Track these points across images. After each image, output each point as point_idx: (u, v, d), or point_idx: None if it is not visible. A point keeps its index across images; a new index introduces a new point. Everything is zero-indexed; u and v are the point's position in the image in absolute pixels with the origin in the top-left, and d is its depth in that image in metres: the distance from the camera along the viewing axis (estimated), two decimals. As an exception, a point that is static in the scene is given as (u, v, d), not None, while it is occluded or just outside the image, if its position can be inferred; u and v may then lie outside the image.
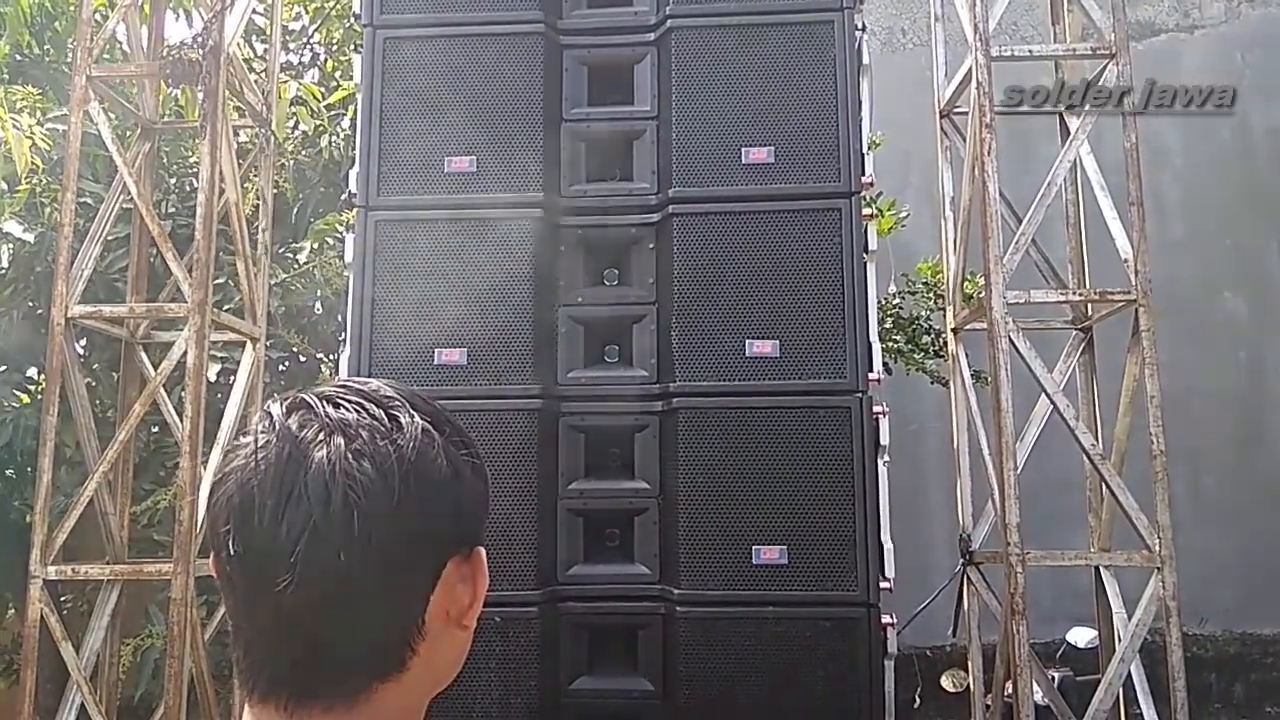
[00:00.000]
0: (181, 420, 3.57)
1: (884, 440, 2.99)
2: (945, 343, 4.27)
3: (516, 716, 2.86)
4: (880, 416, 3.00)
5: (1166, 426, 3.56)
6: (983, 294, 3.56)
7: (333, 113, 5.22)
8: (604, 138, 3.25)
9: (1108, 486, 3.61)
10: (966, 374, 3.99)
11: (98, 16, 3.92)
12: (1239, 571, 6.06)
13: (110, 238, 4.02)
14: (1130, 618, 3.53)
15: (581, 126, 3.24)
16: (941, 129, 4.21)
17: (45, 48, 4.81)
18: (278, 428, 0.76)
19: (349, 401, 0.78)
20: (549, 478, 3.00)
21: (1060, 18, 4.22)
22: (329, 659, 0.74)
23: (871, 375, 3.01)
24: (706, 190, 3.12)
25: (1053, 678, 3.83)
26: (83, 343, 4.47)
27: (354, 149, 3.32)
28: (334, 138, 5.10)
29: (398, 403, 0.79)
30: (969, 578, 3.86)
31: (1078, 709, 3.59)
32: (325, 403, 0.78)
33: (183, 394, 3.58)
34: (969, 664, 3.93)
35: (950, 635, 4.28)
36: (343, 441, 0.75)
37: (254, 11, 4.37)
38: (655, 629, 2.94)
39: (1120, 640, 3.59)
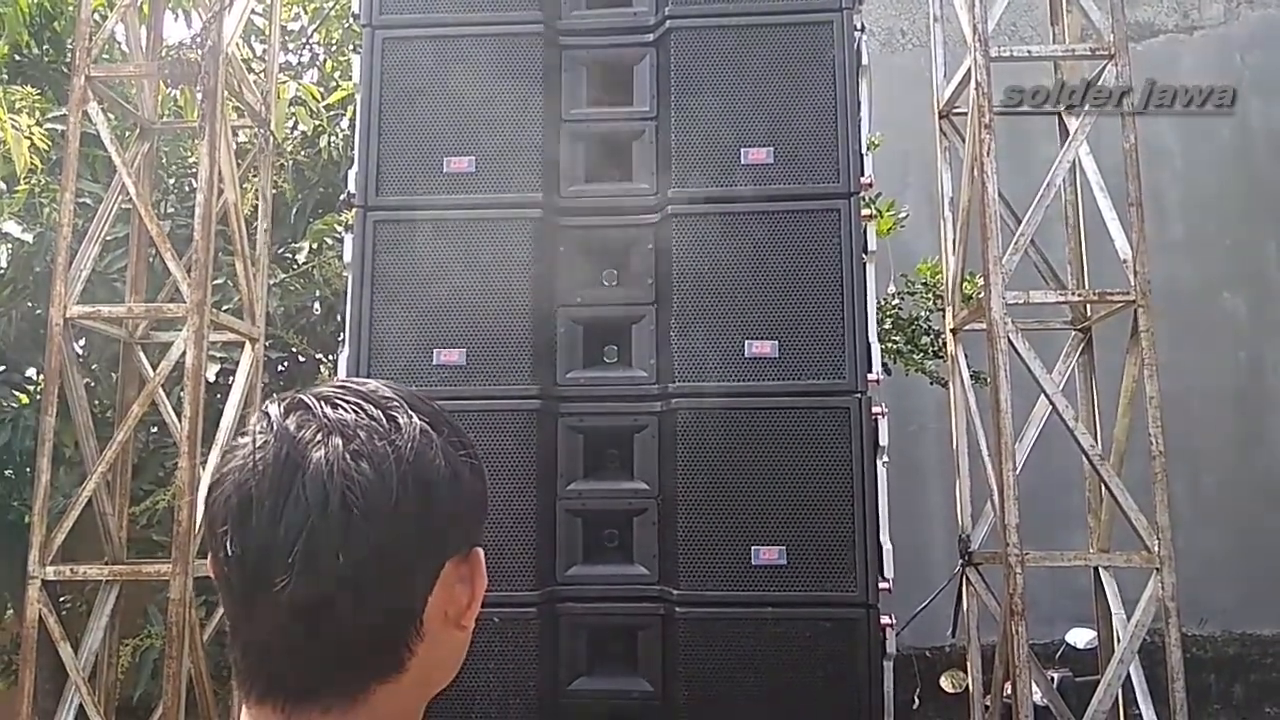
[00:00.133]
0: (180, 420, 3.57)
1: (883, 441, 2.99)
2: (944, 343, 4.27)
3: (515, 717, 2.86)
4: (879, 417, 3.00)
5: (1166, 427, 3.56)
6: (982, 294, 3.56)
7: (332, 113, 5.22)
8: (603, 138, 3.25)
9: (1107, 487, 3.61)
10: (966, 374, 3.99)
11: (96, 16, 3.92)
12: (1238, 572, 6.05)
13: (109, 238, 4.02)
14: (1129, 618, 3.53)
15: (581, 127, 3.24)
16: (940, 129, 4.21)
17: (44, 48, 4.80)
18: (275, 428, 0.76)
19: (347, 402, 0.78)
20: (548, 478, 3.00)
21: (1059, 18, 4.23)
22: (327, 660, 0.74)
23: (871, 376, 3.01)
24: (706, 191, 3.12)
25: (1052, 678, 3.82)
26: (81, 343, 4.47)
27: (353, 149, 3.31)
28: (333, 138, 5.10)
29: (396, 403, 0.79)
30: (968, 578, 3.86)
31: (1077, 710, 3.58)
32: (323, 403, 0.77)
33: (181, 394, 3.57)
34: (968, 665, 3.93)
35: (949, 636, 4.28)
36: (341, 442, 0.74)
37: (253, 12, 4.36)
38: (654, 629, 2.94)
39: (1119, 641, 3.59)
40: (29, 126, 4.08)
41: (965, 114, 3.87)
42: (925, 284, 5.23)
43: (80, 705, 3.54)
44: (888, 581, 2.91)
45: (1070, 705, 3.73)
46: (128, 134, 4.34)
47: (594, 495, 3.02)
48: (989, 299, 3.47)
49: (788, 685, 2.85)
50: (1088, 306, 4.03)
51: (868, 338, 3.03)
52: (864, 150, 3.14)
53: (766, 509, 2.92)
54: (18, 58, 4.74)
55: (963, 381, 3.98)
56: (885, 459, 2.99)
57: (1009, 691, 3.41)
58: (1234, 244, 6.58)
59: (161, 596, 3.92)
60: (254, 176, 4.39)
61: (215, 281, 3.99)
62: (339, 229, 4.68)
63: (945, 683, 4.33)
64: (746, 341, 3.02)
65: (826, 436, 2.96)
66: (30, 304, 4.57)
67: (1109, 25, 3.74)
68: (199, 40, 3.69)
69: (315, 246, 4.85)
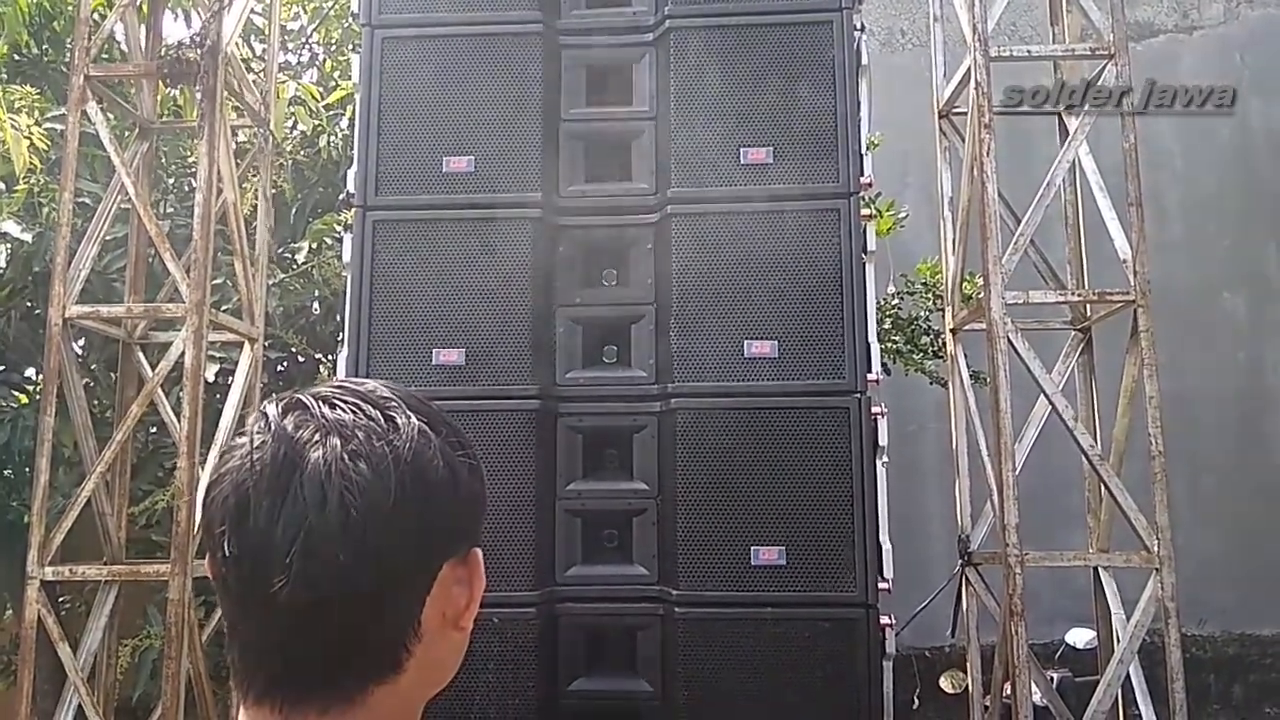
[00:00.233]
0: (179, 421, 3.56)
1: (882, 441, 2.99)
2: (944, 343, 4.27)
3: (514, 717, 2.85)
4: (879, 417, 3.00)
5: (1165, 427, 3.56)
6: (981, 294, 3.56)
7: (331, 113, 5.21)
8: (603, 138, 3.25)
9: (1106, 487, 3.61)
10: (965, 374, 3.98)
11: (96, 16, 3.91)
12: (1238, 572, 6.06)
13: (108, 238, 4.01)
14: (1129, 618, 3.53)
15: (580, 126, 3.24)
16: (940, 129, 4.21)
17: (43, 47, 4.80)
18: (273, 428, 0.76)
19: (345, 402, 0.78)
20: (547, 478, 3.00)
21: (1059, 18, 4.23)
22: (324, 660, 0.74)
23: (870, 376, 3.01)
24: (705, 190, 3.12)
25: (1051, 678, 3.82)
26: (80, 343, 4.46)
27: (352, 149, 3.31)
28: (332, 138, 5.10)
29: (394, 403, 0.79)
30: (967, 578, 3.86)
31: (1076, 710, 3.58)
32: (321, 403, 0.77)
33: (181, 394, 3.57)
34: (967, 665, 3.93)
35: (949, 636, 4.27)
36: (339, 442, 0.74)
37: (252, 11, 4.36)
38: (654, 630, 2.94)
39: (1119, 641, 3.59)
40: (28, 126, 4.08)
41: (965, 114, 3.87)
42: (925, 284, 5.23)
43: (79, 706, 3.54)
44: (887, 581, 2.91)
45: (1070, 705, 3.73)
46: (127, 134, 4.33)
47: (593, 495, 3.02)
48: (988, 299, 3.47)
49: (787, 685, 2.85)
50: (1087, 306, 4.03)
51: (867, 338, 3.03)
52: (863, 150, 3.14)
53: (766, 509, 2.92)
54: (17, 57, 4.73)
55: (962, 381, 3.97)
56: (885, 459, 2.99)
57: (1008, 692, 3.41)
58: (1233, 244, 6.58)
59: (160, 597, 3.92)
60: (253, 176, 4.39)
61: (214, 281, 3.98)
62: (338, 229, 4.67)
63: (945, 683, 4.33)
64: (746, 341, 3.02)
65: (826, 437, 2.96)
66: (29, 304, 4.57)
67: (1109, 25, 3.74)
68: (198, 40, 3.69)
69: (315, 246, 4.84)
